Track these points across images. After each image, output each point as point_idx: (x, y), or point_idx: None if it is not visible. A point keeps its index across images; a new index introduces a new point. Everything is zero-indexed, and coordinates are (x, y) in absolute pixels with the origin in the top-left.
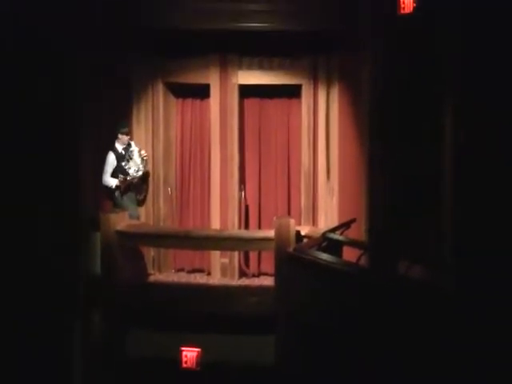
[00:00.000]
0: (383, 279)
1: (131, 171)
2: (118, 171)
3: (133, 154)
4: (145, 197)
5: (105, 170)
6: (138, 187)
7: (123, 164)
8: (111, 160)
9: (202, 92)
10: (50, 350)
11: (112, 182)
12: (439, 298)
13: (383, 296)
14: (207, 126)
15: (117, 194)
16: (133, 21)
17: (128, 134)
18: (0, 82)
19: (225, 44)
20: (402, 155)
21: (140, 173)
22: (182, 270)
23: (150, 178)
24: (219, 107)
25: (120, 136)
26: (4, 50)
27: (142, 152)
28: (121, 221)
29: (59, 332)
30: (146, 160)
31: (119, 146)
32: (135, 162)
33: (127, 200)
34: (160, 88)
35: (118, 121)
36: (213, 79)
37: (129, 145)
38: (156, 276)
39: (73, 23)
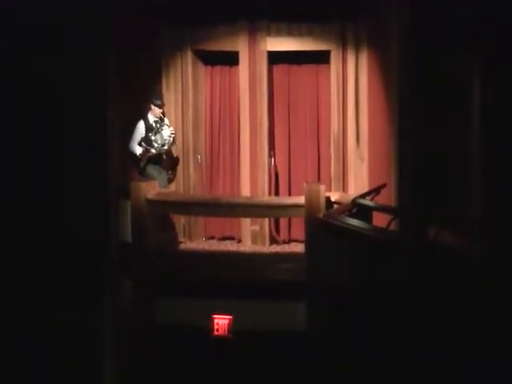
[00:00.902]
0: (413, 245)
1: (156, 144)
2: (144, 141)
3: (162, 129)
4: (173, 176)
5: (133, 137)
6: (166, 164)
7: (150, 135)
8: (140, 128)
9: (231, 59)
10: (81, 318)
11: (137, 150)
12: (469, 263)
13: (413, 262)
14: (236, 93)
15: (141, 164)
16: None
17: (161, 107)
18: (32, 46)
19: (253, 10)
20: (432, 122)
21: (165, 148)
22: (212, 237)
23: (180, 146)
24: (248, 74)
25: (153, 107)
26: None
27: (171, 129)
28: (151, 189)
29: (90, 301)
30: (174, 139)
31: (151, 117)
32: (162, 137)
33: (152, 170)
34: (189, 55)
35: (149, 88)
36: (241, 46)
37: (161, 119)
38: (187, 244)
39: None
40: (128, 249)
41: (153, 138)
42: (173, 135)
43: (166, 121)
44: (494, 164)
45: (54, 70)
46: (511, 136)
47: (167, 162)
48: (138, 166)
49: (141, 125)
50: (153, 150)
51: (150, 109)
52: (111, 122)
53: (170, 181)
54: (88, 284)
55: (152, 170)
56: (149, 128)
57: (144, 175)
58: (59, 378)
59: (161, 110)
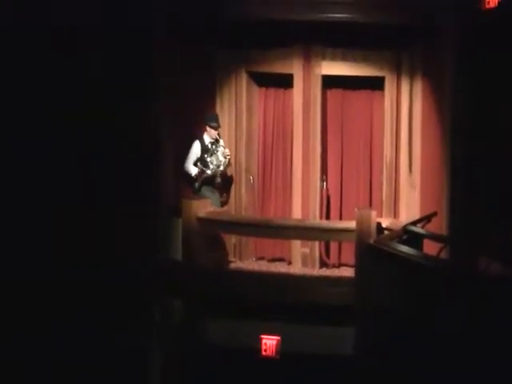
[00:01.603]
0: (463, 274)
1: (212, 166)
2: (200, 162)
3: (218, 150)
4: (227, 199)
5: (188, 157)
6: (219, 187)
7: (205, 156)
8: (196, 149)
9: (285, 82)
10: (130, 336)
11: (192, 171)
12: None
13: (463, 291)
14: (290, 116)
15: (196, 184)
16: (218, 9)
17: (217, 128)
18: (86, 68)
19: (308, 34)
20: (486, 151)
21: (220, 169)
22: (262, 258)
23: (232, 167)
24: (302, 97)
25: (208, 129)
26: (89, 36)
27: (226, 150)
28: (203, 208)
29: (139, 318)
30: (229, 160)
31: (206, 138)
32: (217, 158)
33: (206, 191)
34: (243, 76)
35: (203, 109)
36: (296, 69)
37: (217, 140)
38: (237, 264)
39: (162, 12)
40: (178, 267)
41: (208, 159)
42: (228, 157)
43: (222, 142)
44: None
45: (112, 97)
46: None
47: (221, 183)
48: (193, 187)
49: (196, 145)
50: (208, 172)
51: (205, 130)
52: (164, 142)
53: (223, 203)
54: (138, 301)
55: (206, 191)
56: (204, 149)
57: (198, 195)
58: None
59: (216, 132)
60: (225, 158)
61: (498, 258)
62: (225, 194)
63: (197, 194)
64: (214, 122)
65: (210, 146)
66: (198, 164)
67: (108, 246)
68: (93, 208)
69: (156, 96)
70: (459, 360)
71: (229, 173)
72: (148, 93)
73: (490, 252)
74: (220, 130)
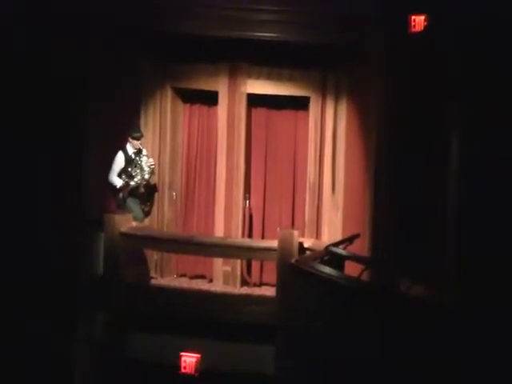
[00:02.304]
0: (384, 295)
1: (136, 178)
2: (124, 174)
3: (141, 161)
4: (150, 208)
5: (112, 169)
6: (143, 197)
7: (129, 168)
8: (119, 159)
9: (211, 99)
10: (51, 350)
11: (117, 182)
12: (440, 315)
13: (384, 312)
14: (214, 133)
15: (120, 195)
16: (145, 23)
17: (139, 139)
18: (9, 78)
19: (235, 52)
20: (408, 173)
21: (144, 179)
22: (184, 275)
23: (156, 182)
24: (227, 115)
25: (131, 140)
26: (16, 47)
27: (150, 160)
28: (125, 222)
29: (61, 332)
30: (153, 170)
31: (129, 149)
32: (142, 169)
33: (131, 203)
34: (168, 92)
35: (127, 122)
36: (221, 86)
37: (139, 151)
38: (158, 280)
39: (85, 21)
40: (100, 282)
41: (132, 171)
42: (152, 166)
43: (145, 152)
44: (469, 218)
45: (33, 108)
46: (488, 190)
47: (146, 193)
48: (118, 198)
49: (120, 156)
50: (132, 183)
51: (128, 141)
52: (88, 155)
53: (146, 213)
54: (61, 314)
55: (132, 203)
56: (128, 160)
57: (123, 207)
58: None
59: (139, 142)
60: (148, 167)
61: (420, 280)
62: (148, 203)
63: (122, 205)
64: (136, 132)
65: (133, 156)
66: (123, 176)
67: (30, 260)
68: (15, 220)
69: (80, 108)
70: (381, 379)
71: (152, 182)
72: (72, 105)
73: (412, 274)
74: (144, 144)
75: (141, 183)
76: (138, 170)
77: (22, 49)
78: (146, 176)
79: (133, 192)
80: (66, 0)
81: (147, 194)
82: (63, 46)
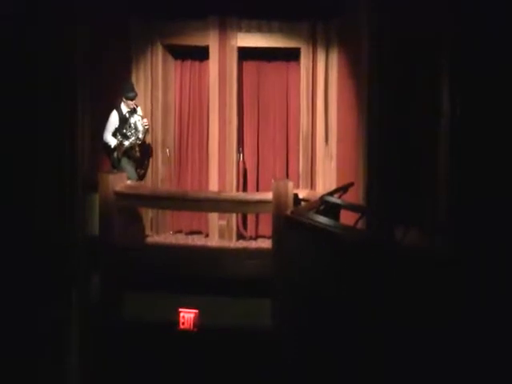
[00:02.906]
0: (380, 243)
1: (130, 138)
2: (118, 133)
3: (136, 121)
4: (145, 172)
5: (106, 128)
6: (138, 159)
7: (124, 128)
8: (114, 119)
9: (201, 54)
10: (48, 311)
11: (111, 142)
12: (436, 262)
13: (380, 260)
14: (206, 88)
15: (115, 155)
16: None
17: (133, 99)
18: None
19: (224, 6)
20: (400, 121)
21: (139, 139)
22: (179, 231)
23: (149, 140)
24: (218, 69)
25: (125, 100)
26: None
27: (144, 120)
28: (119, 182)
29: (57, 293)
30: (148, 130)
31: (124, 108)
32: (136, 129)
33: (125, 163)
34: (159, 49)
35: (118, 82)
36: (212, 41)
37: (134, 110)
38: (154, 237)
39: None
40: (95, 242)
41: (127, 131)
42: (146, 126)
43: (139, 111)
44: (462, 164)
45: (26, 68)
46: (479, 138)
47: (140, 154)
48: (112, 158)
49: (114, 115)
50: (126, 142)
51: (122, 101)
52: (81, 115)
53: (142, 176)
54: (56, 277)
55: (126, 163)
56: (122, 119)
57: (118, 167)
58: (25, 370)
59: (133, 101)
60: (143, 127)
61: (415, 227)
62: (143, 166)
63: (116, 165)
64: (129, 91)
65: (127, 115)
66: (117, 135)
67: (25, 221)
68: (9, 181)
69: (72, 68)
70: (377, 332)
71: (147, 142)
72: (64, 64)
73: (408, 221)
74: (136, 102)
75: (135, 143)
76: (133, 130)
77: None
78: (141, 136)
79: (127, 152)
80: None
81: (142, 155)
82: (50, 8)
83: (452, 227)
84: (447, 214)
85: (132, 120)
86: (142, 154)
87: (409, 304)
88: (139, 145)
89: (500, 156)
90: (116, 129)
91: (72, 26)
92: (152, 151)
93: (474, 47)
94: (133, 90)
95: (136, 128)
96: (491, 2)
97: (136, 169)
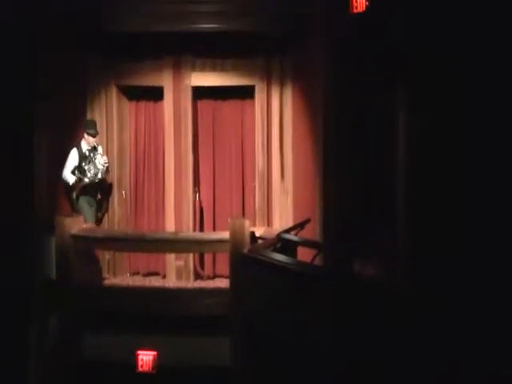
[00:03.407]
0: (338, 278)
1: (89, 174)
2: (78, 171)
3: (95, 158)
4: (103, 214)
5: (65, 166)
6: (97, 200)
7: (83, 164)
8: (73, 156)
9: (156, 94)
10: (5, 355)
11: (70, 179)
12: (393, 294)
13: (338, 295)
14: (161, 128)
15: (74, 194)
16: (88, 22)
17: (95, 136)
18: None
19: (177, 46)
20: (356, 157)
21: (98, 177)
22: (137, 273)
23: (109, 179)
24: (173, 109)
25: (86, 136)
26: None
27: (104, 158)
28: (76, 224)
29: (14, 337)
30: (107, 168)
31: (84, 146)
32: (95, 166)
33: (84, 202)
34: (113, 90)
35: (75, 121)
36: (166, 81)
37: (94, 148)
38: (111, 279)
39: (33, 21)
40: (52, 285)
41: (86, 166)
42: (106, 164)
43: (100, 150)
44: (419, 195)
45: None
46: (436, 171)
47: (100, 192)
48: (71, 197)
49: (73, 153)
50: (86, 180)
51: (83, 137)
52: (38, 156)
53: (100, 220)
54: (14, 320)
55: (84, 202)
56: (82, 156)
57: (76, 207)
58: None
59: (94, 139)
60: (102, 165)
61: (372, 261)
62: (103, 209)
63: (74, 205)
64: (91, 129)
65: (87, 153)
66: (76, 173)
67: None
68: None
69: (29, 106)
70: (332, 365)
71: (108, 181)
72: (22, 102)
73: (366, 255)
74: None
75: (94, 181)
76: (92, 167)
77: None
78: (100, 174)
79: (86, 191)
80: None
81: (102, 196)
82: (10, 46)
83: (410, 260)
84: (405, 246)
85: (92, 157)
86: (102, 190)
87: (367, 337)
88: (99, 184)
89: (457, 188)
90: (75, 167)
91: (33, 63)
92: (111, 192)
93: (429, 83)
94: (95, 127)
95: (95, 165)
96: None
97: (96, 211)
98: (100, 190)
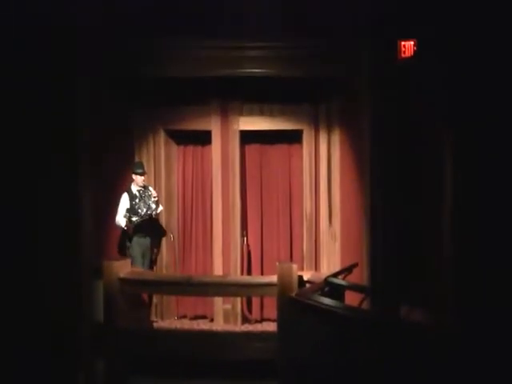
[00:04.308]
0: (385, 323)
1: (140, 211)
2: (129, 211)
3: (145, 196)
4: (156, 255)
5: (118, 211)
6: (151, 244)
7: (133, 203)
8: (124, 200)
9: (204, 138)
10: None
11: (122, 222)
12: (441, 340)
13: (386, 340)
14: (209, 173)
15: (127, 241)
16: (134, 71)
17: (142, 175)
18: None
19: (225, 91)
20: (402, 201)
21: (148, 213)
22: (184, 316)
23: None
24: (221, 153)
25: (134, 177)
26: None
27: (153, 192)
28: (124, 268)
29: (62, 379)
30: (157, 201)
31: (134, 188)
32: (145, 203)
33: (137, 247)
34: (161, 135)
35: (121, 169)
36: (214, 126)
37: (144, 187)
38: (159, 323)
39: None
40: (100, 328)
41: (136, 206)
42: (155, 198)
43: (151, 189)
44: (465, 245)
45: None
46: (482, 219)
47: (153, 233)
48: (125, 242)
49: (124, 197)
50: (134, 219)
51: (132, 180)
52: (83, 200)
53: (153, 261)
54: (62, 365)
55: (136, 246)
56: (132, 198)
57: (129, 251)
58: None
59: (143, 178)
60: (152, 201)
61: (419, 306)
62: (155, 250)
63: (129, 249)
64: (139, 168)
65: (137, 193)
66: (126, 214)
67: (32, 310)
68: (15, 270)
69: (76, 158)
70: None
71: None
72: (68, 154)
73: (412, 301)
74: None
75: (144, 217)
76: (142, 204)
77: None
78: (150, 211)
79: (138, 228)
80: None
81: (154, 233)
82: (53, 98)
83: (456, 307)
84: (452, 294)
85: (142, 196)
86: (153, 236)
87: (415, 381)
88: (150, 221)
89: (502, 237)
90: (127, 210)
91: (75, 113)
92: (162, 232)
93: (477, 130)
94: (142, 167)
95: (145, 202)
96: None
97: (150, 256)
98: (152, 229)
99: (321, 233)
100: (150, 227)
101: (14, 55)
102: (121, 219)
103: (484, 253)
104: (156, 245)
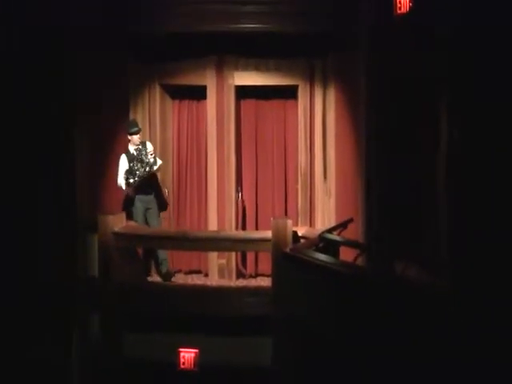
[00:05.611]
0: (380, 279)
1: (139, 172)
2: (128, 173)
3: (142, 154)
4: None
5: (118, 173)
6: (152, 187)
7: (132, 165)
8: (122, 162)
9: (199, 93)
10: (48, 352)
11: (122, 183)
12: (436, 297)
13: (380, 296)
14: (204, 128)
15: (129, 195)
16: (131, 24)
17: (137, 133)
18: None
19: (221, 45)
20: (398, 157)
21: (146, 171)
22: (179, 271)
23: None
24: (216, 108)
25: (129, 137)
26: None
27: (149, 150)
28: (118, 222)
29: (57, 335)
30: (155, 158)
31: (131, 148)
32: (142, 162)
33: (139, 205)
34: (157, 89)
35: (117, 121)
36: (209, 80)
37: (142, 144)
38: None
39: (73, 23)
40: (95, 283)
41: (135, 167)
42: (152, 154)
43: (149, 145)
44: (462, 199)
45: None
46: (479, 173)
47: (153, 189)
48: (128, 205)
49: (122, 159)
50: (131, 181)
51: (128, 140)
52: (79, 156)
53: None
54: (57, 319)
55: (139, 205)
56: (131, 159)
57: (130, 211)
58: None
59: (138, 136)
60: (149, 159)
61: (415, 262)
62: (160, 216)
63: (129, 209)
64: (133, 127)
65: (135, 153)
66: (125, 176)
67: (25, 265)
68: (8, 225)
69: (71, 107)
70: (376, 367)
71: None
72: (60, 107)
73: (407, 256)
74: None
75: (143, 176)
76: (139, 164)
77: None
78: (148, 168)
79: (139, 188)
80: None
81: (154, 189)
82: (48, 49)
83: (452, 263)
84: (448, 249)
85: (139, 155)
86: (154, 192)
87: (408, 338)
88: (150, 178)
89: (501, 191)
90: (126, 170)
91: (72, 64)
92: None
93: (473, 85)
94: (136, 124)
95: (142, 161)
96: (488, 39)
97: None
98: (152, 185)
99: (316, 188)
100: (151, 184)
101: None
102: (121, 180)
103: (483, 209)
104: (158, 199)
